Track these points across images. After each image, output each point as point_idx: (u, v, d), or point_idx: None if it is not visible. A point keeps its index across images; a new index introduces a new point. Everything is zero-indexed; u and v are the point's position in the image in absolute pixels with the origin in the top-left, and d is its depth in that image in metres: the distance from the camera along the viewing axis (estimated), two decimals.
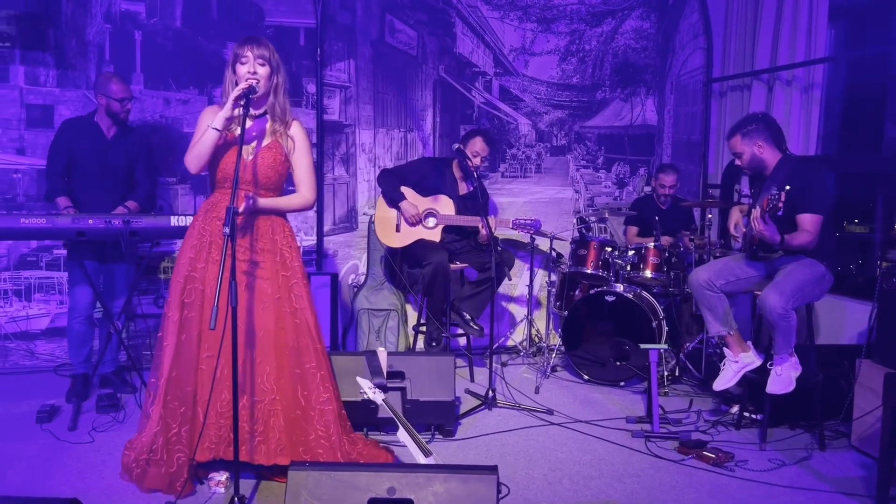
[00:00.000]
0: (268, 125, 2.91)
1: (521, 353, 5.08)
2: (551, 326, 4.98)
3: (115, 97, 3.89)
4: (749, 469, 3.25)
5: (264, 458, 2.80)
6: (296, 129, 2.97)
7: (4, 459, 3.16)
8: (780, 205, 3.07)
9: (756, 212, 3.22)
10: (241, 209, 2.73)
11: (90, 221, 3.48)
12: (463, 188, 4.54)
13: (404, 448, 3.18)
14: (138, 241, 3.73)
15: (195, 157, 2.82)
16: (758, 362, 3.58)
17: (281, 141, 2.91)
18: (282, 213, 3.00)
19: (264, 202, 2.87)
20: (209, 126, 2.77)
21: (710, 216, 4.74)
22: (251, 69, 2.78)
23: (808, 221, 3.34)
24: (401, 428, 2.60)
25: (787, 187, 3.11)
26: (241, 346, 2.80)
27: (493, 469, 2.18)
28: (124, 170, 4.02)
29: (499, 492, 2.17)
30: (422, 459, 2.49)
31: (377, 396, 2.72)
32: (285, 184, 3.03)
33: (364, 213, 5.08)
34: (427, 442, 3.43)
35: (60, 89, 4.48)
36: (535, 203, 5.47)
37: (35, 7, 4.26)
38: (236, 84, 2.78)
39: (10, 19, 4.36)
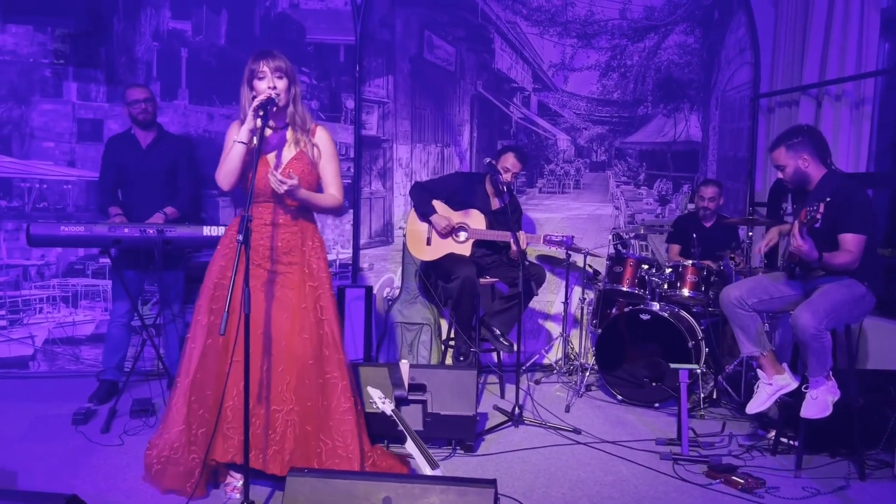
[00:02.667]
0: (290, 135, 2.95)
1: (556, 372, 4.99)
2: (587, 344, 4.89)
3: (128, 101, 4.07)
4: (780, 497, 3.11)
5: (279, 468, 2.80)
6: (321, 135, 3.00)
7: (36, 457, 3.27)
8: (819, 216, 2.94)
9: (795, 227, 3.09)
10: (282, 189, 2.75)
11: (125, 230, 3.61)
12: (495, 203, 4.52)
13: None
14: (174, 251, 3.82)
15: (226, 173, 2.86)
16: (794, 385, 3.43)
17: (306, 150, 2.95)
18: (313, 221, 3.04)
19: (303, 191, 2.87)
20: (234, 140, 2.80)
21: (751, 234, 4.58)
22: (270, 84, 2.81)
23: (851, 241, 3.19)
24: (409, 439, 2.58)
25: (827, 199, 2.98)
26: (261, 354, 2.85)
27: (491, 482, 2.14)
28: (163, 176, 4.16)
29: None
30: (428, 471, 2.46)
31: (386, 407, 2.71)
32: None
33: (400, 227, 5.11)
34: (447, 457, 3.41)
35: (110, 104, 4.66)
36: (574, 219, 5.41)
37: (88, 26, 4.46)
38: (253, 100, 2.79)
39: (65, 38, 4.59)
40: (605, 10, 5.25)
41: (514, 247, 4.22)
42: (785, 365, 3.50)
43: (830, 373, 3.26)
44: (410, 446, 2.58)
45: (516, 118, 5.30)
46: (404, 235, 4.66)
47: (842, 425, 3.38)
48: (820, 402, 3.24)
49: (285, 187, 2.75)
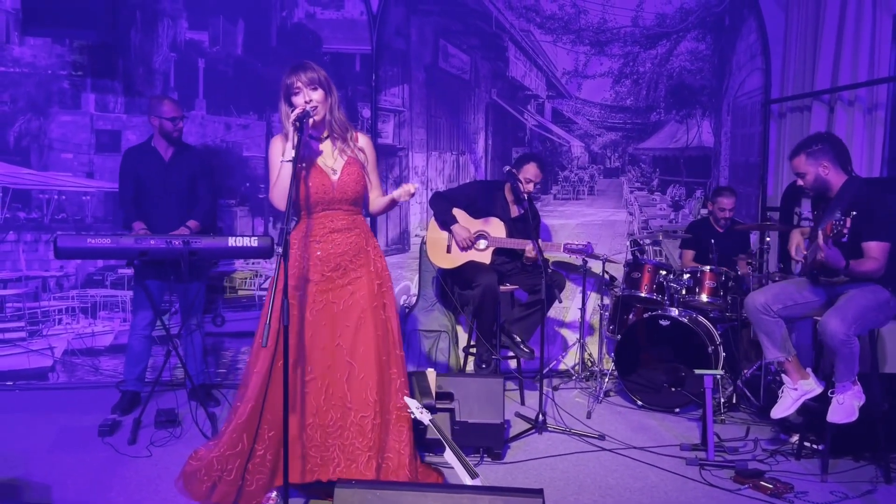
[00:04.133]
0: (335, 145, 2.97)
1: (574, 378, 5.02)
2: (604, 350, 4.92)
3: (166, 116, 4.05)
4: (809, 501, 3.13)
5: (374, 472, 2.82)
6: (363, 141, 3.04)
7: (67, 470, 3.28)
8: (846, 231, 2.98)
9: (819, 237, 3.12)
10: (403, 199, 2.92)
11: (152, 242, 3.61)
12: (514, 211, 4.55)
13: (452, 470, 3.18)
14: (198, 262, 3.84)
15: (280, 193, 2.84)
16: (818, 390, 3.46)
17: (355, 155, 2.98)
18: (364, 217, 3.10)
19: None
20: (282, 161, 2.80)
21: (767, 239, 4.62)
22: (306, 98, 2.83)
23: (875, 249, 3.23)
24: (447, 449, 2.60)
25: (854, 213, 3.01)
26: (341, 364, 2.89)
27: (538, 492, 2.16)
28: (185, 189, 4.16)
29: None
30: (468, 481, 2.48)
31: (424, 417, 2.73)
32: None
33: (416, 235, 5.13)
34: (475, 465, 3.42)
35: (127, 115, 4.68)
36: (588, 225, 5.44)
37: (105, 37, 4.46)
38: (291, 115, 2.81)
39: (83, 49, 4.61)
40: (618, 17, 5.28)
41: (529, 253, 4.26)
42: (809, 370, 3.53)
43: (857, 378, 3.28)
44: (449, 456, 2.59)
45: (531, 125, 5.33)
46: (424, 243, 4.68)
47: (865, 429, 3.41)
48: (847, 406, 3.27)
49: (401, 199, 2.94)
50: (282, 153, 2.83)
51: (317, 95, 2.85)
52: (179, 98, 4.64)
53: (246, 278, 4.94)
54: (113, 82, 4.66)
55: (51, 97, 4.58)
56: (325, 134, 2.97)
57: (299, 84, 2.83)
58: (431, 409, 3.21)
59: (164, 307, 4.26)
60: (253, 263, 4.93)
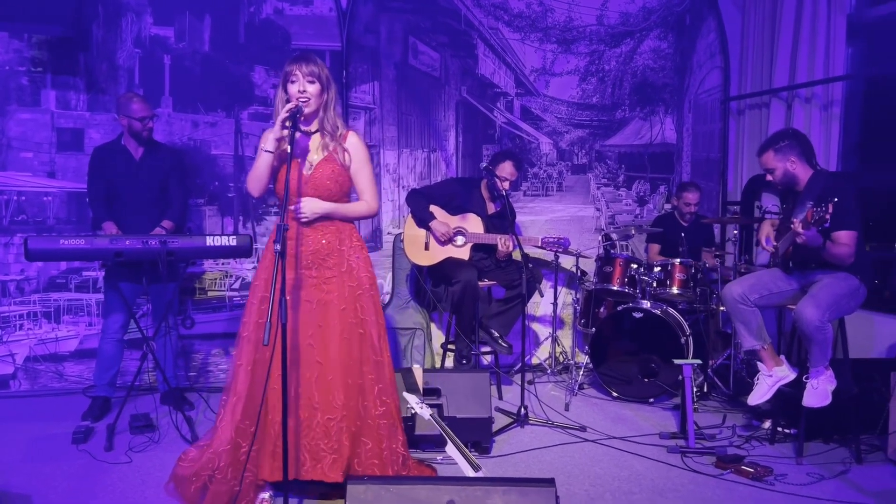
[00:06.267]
0: (321, 140, 2.93)
1: (548, 372, 5.08)
2: (575, 344, 4.99)
3: (136, 116, 3.94)
4: (789, 483, 3.25)
5: (340, 474, 2.76)
6: (352, 141, 2.98)
7: (45, 479, 3.17)
8: (828, 217, 3.08)
9: (798, 224, 3.21)
10: (303, 217, 2.80)
11: (127, 242, 3.52)
12: (491, 207, 4.58)
13: (444, 465, 3.20)
14: (175, 262, 3.75)
15: (254, 179, 2.88)
16: (792, 376, 3.59)
17: (336, 155, 2.93)
18: (349, 221, 3.02)
19: (327, 205, 2.89)
20: (261, 149, 2.81)
21: (735, 231, 4.77)
22: (301, 87, 2.81)
23: (845, 237, 3.35)
24: (449, 443, 2.61)
25: (836, 199, 3.12)
26: (310, 363, 2.83)
27: (550, 481, 2.19)
28: (157, 188, 4.07)
29: (557, 503, 2.18)
30: (471, 474, 2.50)
31: (425, 412, 2.73)
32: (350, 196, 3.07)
33: (388, 233, 5.12)
34: None
35: (91, 113, 4.54)
36: (557, 221, 5.51)
37: (66, 32, 4.32)
38: (286, 103, 2.81)
39: (42, 44, 4.45)
40: (583, 16, 5.37)
41: (501, 248, 4.30)
42: (783, 357, 3.65)
43: (829, 363, 3.42)
44: (451, 450, 2.60)
45: (500, 123, 5.37)
46: (401, 241, 4.66)
47: (834, 412, 3.55)
48: (820, 391, 3.40)
49: (304, 218, 2.83)
50: (266, 141, 2.84)
51: (312, 89, 2.83)
52: (145, 95, 4.50)
53: (216, 279, 4.85)
54: (75, 79, 4.51)
55: (8, 94, 4.41)
56: (314, 128, 2.95)
57: (298, 73, 2.81)
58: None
59: (133, 309, 4.15)
60: (223, 264, 4.84)
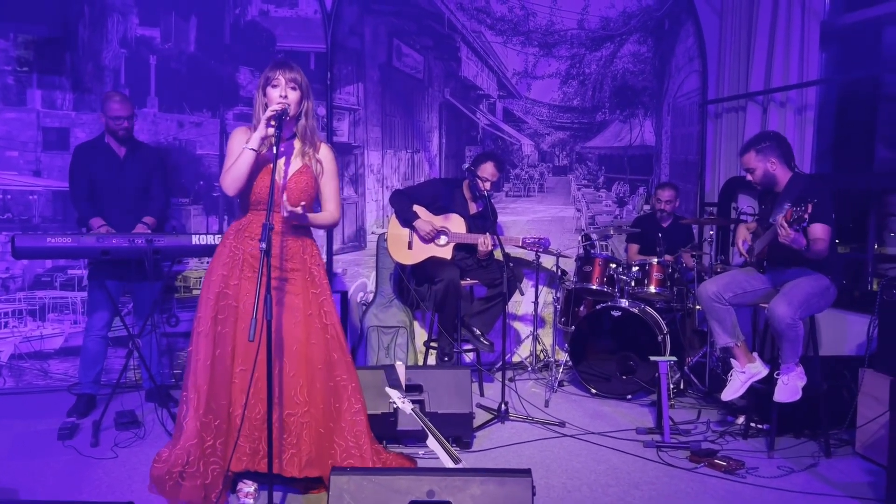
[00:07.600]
0: (297, 148, 2.98)
1: (529, 369, 5.17)
2: (555, 341, 5.08)
3: (110, 115, 4.00)
4: (760, 476, 3.35)
5: (297, 470, 2.85)
6: (324, 152, 3.05)
7: (32, 474, 3.21)
8: (806, 216, 3.18)
9: (782, 222, 3.30)
10: (285, 213, 2.82)
11: (114, 241, 3.56)
12: (473, 208, 4.66)
13: (425, 459, 3.27)
14: (161, 260, 3.79)
15: (233, 178, 2.86)
16: (764, 372, 3.70)
17: (310, 164, 2.99)
18: (310, 231, 3.09)
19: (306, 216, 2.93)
20: (245, 147, 2.82)
21: (711, 232, 4.88)
22: (283, 93, 2.85)
23: (821, 230, 3.44)
24: (430, 436, 2.68)
25: (815, 200, 3.21)
26: (274, 360, 2.88)
27: (527, 472, 2.27)
28: (140, 186, 4.12)
29: (534, 493, 2.25)
30: (451, 466, 2.57)
31: (406, 406, 2.80)
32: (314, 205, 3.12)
33: (372, 233, 5.18)
34: None
35: (76, 112, 4.56)
36: (539, 222, 5.60)
37: (53, 32, 4.35)
38: (266, 106, 2.84)
39: (28, 44, 4.47)
40: (565, 20, 5.46)
41: (480, 248, 4.38)
42: (755, 354, 3.76)
43: (799, 360, 3.53)
44: (432, 443, 2.68)
45: (483, 124, 5.45)
46: (384, 240, 4.73)
47: (805, 408, 3.66)
48: (791, 387, 3.51)
49: (287, 214, 2.84)
50: (245, 141, 2.85)
51: (293, 96, 2.88)
52: (131, 95, 4.55)
53: (200, 277, 4.89)
54: (60, 78, 4.54)
55: None
56: (292, 134, 3.00)
57: (280, 78, 2.86)
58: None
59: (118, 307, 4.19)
60: (206, 262, 4.87)
